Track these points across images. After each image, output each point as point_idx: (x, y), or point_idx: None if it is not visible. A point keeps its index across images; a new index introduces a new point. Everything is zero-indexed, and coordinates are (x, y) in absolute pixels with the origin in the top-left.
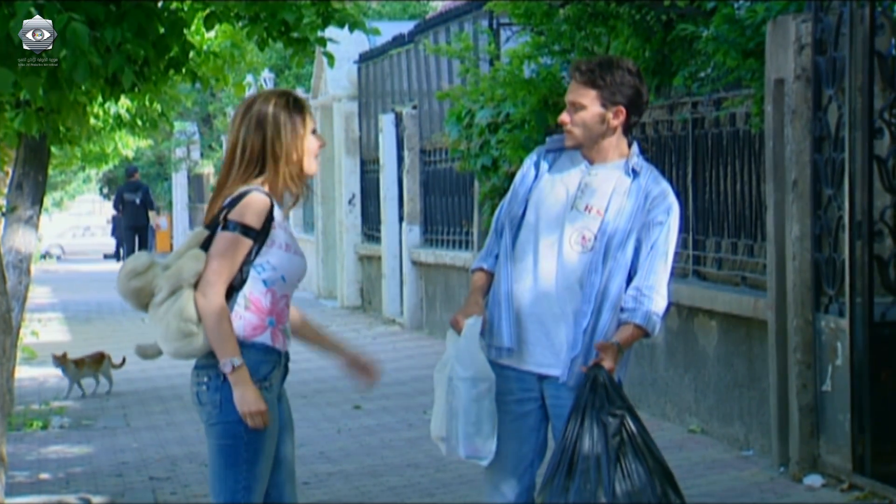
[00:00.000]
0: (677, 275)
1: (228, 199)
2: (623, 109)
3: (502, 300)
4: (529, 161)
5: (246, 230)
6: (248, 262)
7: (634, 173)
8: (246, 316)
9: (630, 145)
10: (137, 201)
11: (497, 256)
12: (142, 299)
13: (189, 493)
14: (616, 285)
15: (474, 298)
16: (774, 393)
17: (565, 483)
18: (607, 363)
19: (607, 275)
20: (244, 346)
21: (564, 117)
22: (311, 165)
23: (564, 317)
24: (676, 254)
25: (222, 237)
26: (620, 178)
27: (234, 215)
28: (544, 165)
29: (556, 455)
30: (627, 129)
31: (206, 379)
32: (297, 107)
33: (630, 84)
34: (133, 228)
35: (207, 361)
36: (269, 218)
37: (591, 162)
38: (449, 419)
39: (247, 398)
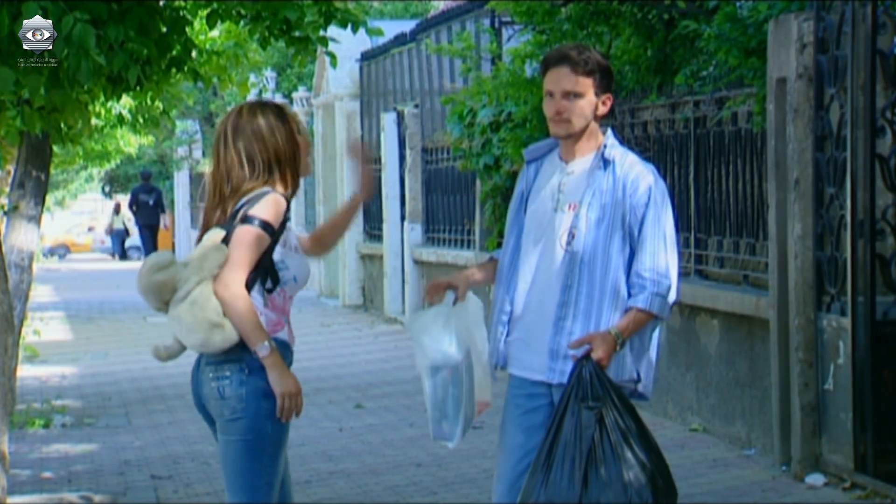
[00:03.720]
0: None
1: (244, 200)
2: (611, 97)
3: (497, 314)
4: (519, 178)
5: (266, 227)
6: (267, 262)
7: (606, 162)
8: (266, 313)
9: (605, 134)
10: (151, 202)
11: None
12: (164, 295)
13: (191, 492)
14: (611, 279)
15: (466, 271)
16: (776, 392)
17: (544, 478)
18: (596, 354)
19: (598, 269)
20: None
21: (561, 106)
22: (306, 167)
23: (554, 319)
24: (678, 253)
25: (243, 230)
26: (595, 169)
27: (255, 211)
28: (530, 176)
29: (539, 449)
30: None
31: (228, 373)
32: (282, 114)
33: (611, 72)
34: (147, 227)
35: (227, 356)
36: (287, 218)
37: (566, 160)
38: (427, 403)
39: (285, 380)
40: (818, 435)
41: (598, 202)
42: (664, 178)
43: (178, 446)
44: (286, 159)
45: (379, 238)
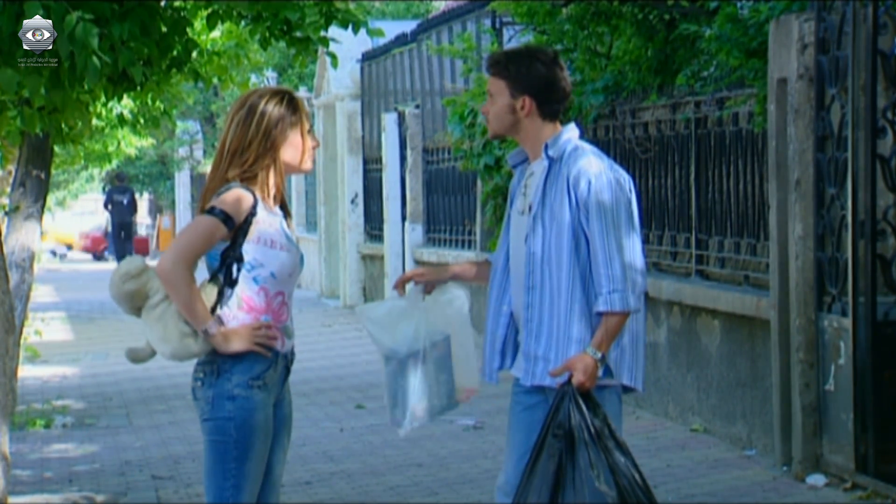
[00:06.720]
0: (680, 274)
1: (216, 195)
2: (528, 99)
3: (492, 317)
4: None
5: (223, 216)
6: (232, 257)
7: (551, 160)
8: (240, 316)
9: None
10: (125, 202)
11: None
12: (135, 302)
13: (192, 493)
14: (567, 278)
15: (453, 265)
16: (777, 392)
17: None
18: (577, 378)
19: (554, 269)
20: None
21: (484, 108)
22: (307, 164)
23: (524, 321)
24: (677, 253)
25: (198, 218)
26: (545, 169)
27: (214, 202)
28: (514, 181)
29: (520, 477)
30: (551, 117)
31: (201, 375)
32: (291, 105)
33: (539, 73)
34: (121, 225)
35: (205, 357)
36: (252, 213)
37: (530, 162)
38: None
39: (235, 344)
40: (819, 435)
41: (549, 202)
42: (665, 179)
43: (179, 447)
44: (277, 152)
45: (380, 238)
